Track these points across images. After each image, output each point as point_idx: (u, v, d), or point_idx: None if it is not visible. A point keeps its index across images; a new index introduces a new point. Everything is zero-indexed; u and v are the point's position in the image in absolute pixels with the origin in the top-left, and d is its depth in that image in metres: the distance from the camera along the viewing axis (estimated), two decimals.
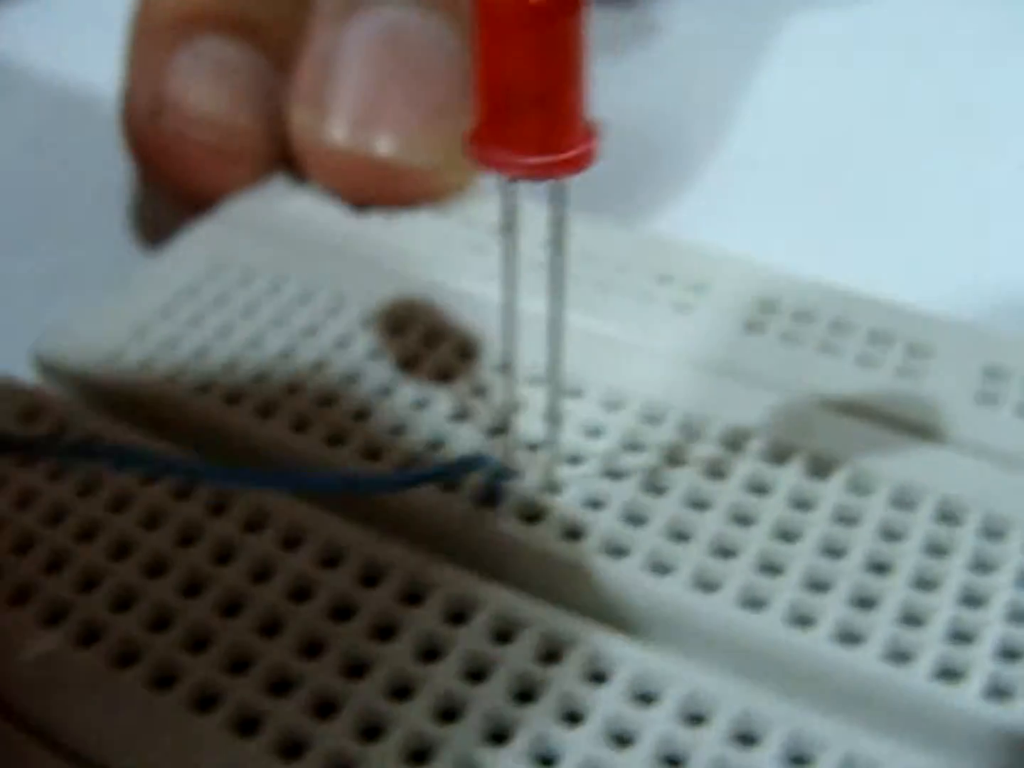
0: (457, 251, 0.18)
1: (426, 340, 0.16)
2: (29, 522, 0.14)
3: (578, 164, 0.10)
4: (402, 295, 0.17)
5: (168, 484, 0.14)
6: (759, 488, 0.14)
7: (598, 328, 0.16)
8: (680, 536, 0.13)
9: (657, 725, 0.10)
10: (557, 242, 0.12)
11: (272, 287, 0.17)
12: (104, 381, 0.16)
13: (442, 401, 0.15)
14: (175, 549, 0.13)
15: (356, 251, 0.18)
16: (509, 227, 0.11)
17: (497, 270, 0.12)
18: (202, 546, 0.13)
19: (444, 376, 0.16)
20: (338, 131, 0.17)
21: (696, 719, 0.11)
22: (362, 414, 0.15)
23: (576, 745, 0.10)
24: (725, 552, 0.13)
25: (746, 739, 0.11)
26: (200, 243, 0.18)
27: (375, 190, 0.18)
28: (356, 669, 0.11)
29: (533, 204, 0.12)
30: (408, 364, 0.16)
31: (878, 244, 0.20)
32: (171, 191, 0.19)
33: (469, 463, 0.14)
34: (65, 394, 0.16)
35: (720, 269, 0.17)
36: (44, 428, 0.15)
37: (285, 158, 0.19)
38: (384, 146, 0.17)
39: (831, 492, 0.14)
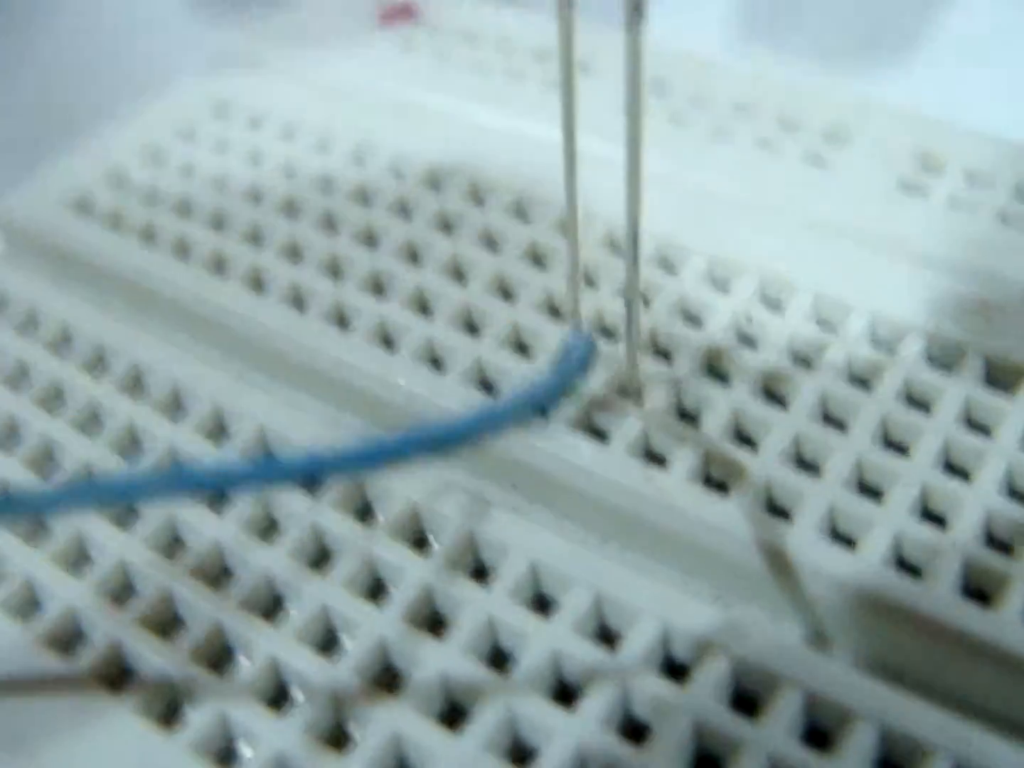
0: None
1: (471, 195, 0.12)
2: None
3: None
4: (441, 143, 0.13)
5: None
6: (920, 402, 0.10)
7: (702, 183, 0.12)
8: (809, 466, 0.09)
9: None
10: (634, 73, 0.08)
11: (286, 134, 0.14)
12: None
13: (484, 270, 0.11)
14: None
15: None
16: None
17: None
18: None
19: (490, 241, 0.12)
20: None
21: None
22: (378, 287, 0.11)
23: None
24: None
25: None
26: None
27: None
28: None
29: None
30: (447, 225, 0.12)
31: None
32: None
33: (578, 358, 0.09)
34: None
35: (866, 115, 0.13)
36: None
37: None
38: None
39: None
